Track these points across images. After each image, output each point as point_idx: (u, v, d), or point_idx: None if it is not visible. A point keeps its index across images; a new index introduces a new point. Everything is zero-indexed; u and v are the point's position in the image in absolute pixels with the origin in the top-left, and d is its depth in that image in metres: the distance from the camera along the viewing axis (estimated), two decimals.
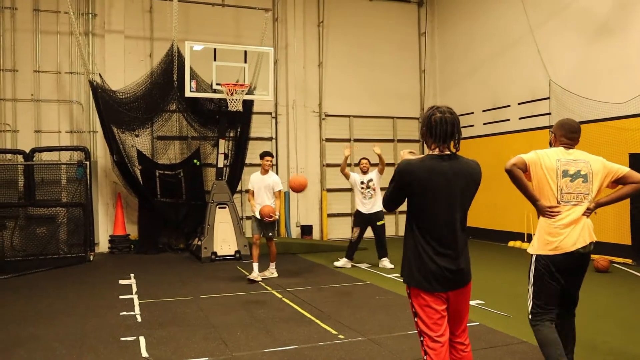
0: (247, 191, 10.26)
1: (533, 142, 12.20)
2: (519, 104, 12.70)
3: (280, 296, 7.60)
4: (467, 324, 3.46)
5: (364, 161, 10.00)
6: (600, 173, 4.08)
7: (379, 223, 9.81)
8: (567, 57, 11.50)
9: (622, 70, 10.31)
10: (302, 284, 8.41)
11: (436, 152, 3.22)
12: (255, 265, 8.76)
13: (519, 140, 12.51)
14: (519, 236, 12.47)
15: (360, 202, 9.82)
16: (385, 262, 9.85)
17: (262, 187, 8.87)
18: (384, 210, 3.78)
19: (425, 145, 3.38)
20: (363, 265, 10.13)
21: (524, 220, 12.13)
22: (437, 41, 15.81)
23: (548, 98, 11.89)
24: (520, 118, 12.65)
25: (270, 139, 14.05)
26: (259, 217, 8.70)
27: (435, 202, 3.16)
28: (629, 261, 9.85)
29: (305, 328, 5.93)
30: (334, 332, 5.75)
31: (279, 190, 8.96)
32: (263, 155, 9.05)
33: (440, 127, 3.16)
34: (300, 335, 5.65)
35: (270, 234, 8.88)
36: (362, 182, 9.84)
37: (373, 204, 9.69)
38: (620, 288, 7.96)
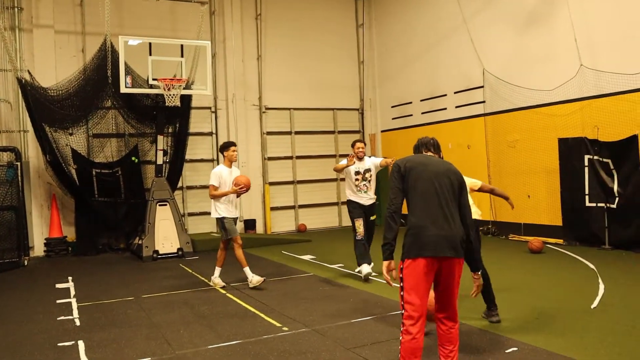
0: (204, 187, 9.91)
1: (469, 129, 12.59)
2: (455, 92, 13.04)
3: (223, 292, 7.56)
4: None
5: (359, 145, 8.09)
6: None
7: (372, 217, 8.24)
8: (499, 47, 11.88)
9: (550, 59, 10.74)
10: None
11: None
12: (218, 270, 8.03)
13: (456, 128, 12.86)
14: None
15: (353, 193, 8.11)
16: (365, 268, 7.79)
17: (230, 182, 7.71)
18: (393, 213, 3.76)
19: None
20: (307, 257, 10.19)
21: None
22: (375, 33, 16.01)
23: (482, 87, 12.26)
24: (456, 106, 12.99)
25: (210, 133, 13.89)
26: (232, 214, 7.79)
27: (422, 183, 3.75)
28: (561, 241, 10.31)
29: (249, 322, 5.93)
30: (278, 324, 5.77)
31: None
32: (228, 146, 7.94)
33: (421, 142, 4.23)
34: (244, 329, 5.65)
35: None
36: (357, 172, 8.08)
37: (369, 197, 8.11)
38: (553, 267, 8.33)
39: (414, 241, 3.64)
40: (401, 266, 3.67)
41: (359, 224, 7.99)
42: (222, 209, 7.70)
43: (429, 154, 4.11)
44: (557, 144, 10.42)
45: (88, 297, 7.53)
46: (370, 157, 8.37)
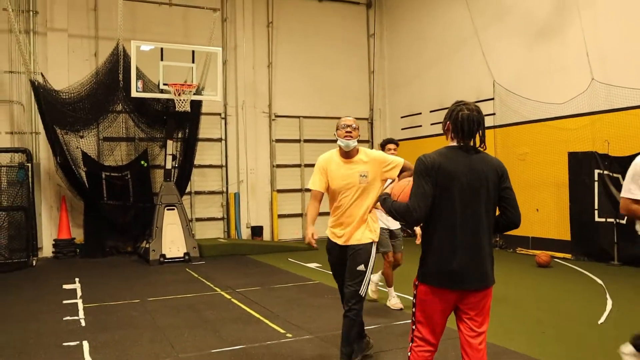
0: (213, 192, 9.85)
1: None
2: None
3: (229, 297, 7.55)
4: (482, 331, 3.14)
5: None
6: None
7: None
8: (510, 59, 11.87)
9: (561, 72, 10.72)
10: (251, 285, 8.38)
11: (455, 143, 3.10)
12: (392, 290, 6.83)
13: None
14: None
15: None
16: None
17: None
18: (409, 220, 3.05)
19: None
20: (313, 265, 10.18)
21: None
22: (386, 42, 16.05)
23: (493, 99, 12.24)
24: None
25: (219, 139, 13.95)
26: (386, 224, 6.42)
27: (452, 191, 2.97)
28: (569, 256, 10.24)
29: (253, 328, 5.93)
30: (282, 331, 5.76)
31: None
32: (386, 143, 6.67)
33: (467, 124, 3.04)
34: (248, 334, 5.64)
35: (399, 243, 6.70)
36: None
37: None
38: (560, 281, 8.27)
39: (432, 266, 3.03)
40: (415, 283, 3.13)
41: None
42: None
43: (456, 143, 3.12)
44: (567, 158, 10.37)
45: (94, 298, 7.56)
46: None
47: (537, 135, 11.20)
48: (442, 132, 3.27)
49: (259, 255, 11.55)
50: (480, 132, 3.09)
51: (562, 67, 10.72)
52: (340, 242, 4.49)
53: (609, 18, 9.87)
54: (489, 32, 12.38)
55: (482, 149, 3.11)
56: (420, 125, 14.41)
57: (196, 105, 11.97)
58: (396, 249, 6.64)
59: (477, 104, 3.21)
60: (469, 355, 3.07)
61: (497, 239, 11.77)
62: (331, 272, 4.76)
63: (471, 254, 2.98)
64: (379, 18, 16.00)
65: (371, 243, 4.43)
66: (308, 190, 15.20)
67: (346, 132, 4.43)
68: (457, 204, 2.97)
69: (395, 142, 6.67)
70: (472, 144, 3.09)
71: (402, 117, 15.26)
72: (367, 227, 4.43)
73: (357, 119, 15.89)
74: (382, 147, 6.70)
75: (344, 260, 4.49)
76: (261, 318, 6.34)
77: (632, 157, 9.09)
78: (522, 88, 11.48)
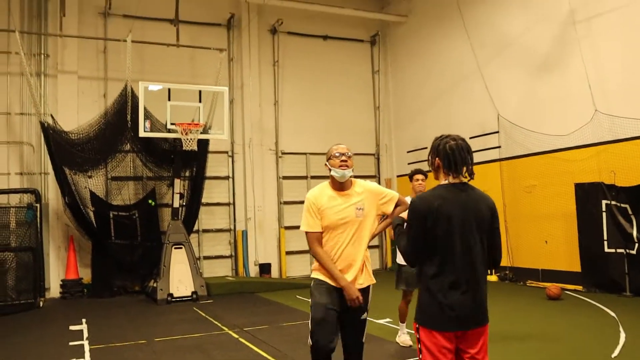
0: (220, 230, 9.98)
1: (485, 174, 12.55)
2: (471, 138, 13.05)
3: (237, 336, 7.48)
4: None
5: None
6: None
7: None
8: (513, 92, 11.97)
9: (564, 104, 10.79)
10: (259, 323, 8.30)
11: (449, 180, 3.07)
12: (403, 326, 6.65)
13: None
14: None
15: None
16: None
17: None
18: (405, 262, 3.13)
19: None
20: None
21: None
22: (391, 78, 16.24)
23: (497, 132, 12.30)
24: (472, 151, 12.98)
25: (227, 177, 14.03)
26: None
27: (451, 231, 2.94)
28: (580, 288, 10.11)
29: None
30: None
31: None
32: (413, 174, 6.52)
33: (458, 154, 3.02)
34: None
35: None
36: None
37: None
38: (572, 314, 8.15)
39: (433, 308, 2.98)
40: (416, 326, 3.07)
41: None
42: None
43: (451, 180, 3.08)
44: (573, 189, 10.34)
45: (101, 339, 7.50)
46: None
47: (543, 167, 11.20)
48: None
49: (267, 293, 11.47)
50: (470, 161, 3.07)
51: (565, 99, 10.79)
52: (335, 284, 3.91)
53: (609, 50, 9.97)
54: (491, 66, 12.52)
55: (421, 180, 3.28)
56: (427, 160, 14.40)
57: (203, 144, 12.08)
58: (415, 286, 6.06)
59: (482, 137, 3.27)
60: None
61: (507, 272, 11.65)
62: (315, 324, 3.90)
63: (472, 293, 2.96)
64: (383, 55, 16.22)
65: (369, 287, 4.03)
66: None
67: (341, 161, 3.96)
68: (456, 244, 2.95)
69: (424, 173, 6.27)
70: (464, 174, 3.06)
71: (408, 152, 15.31)
72: (367, 267, 4.00)
73: (363, 154, 15.90)
74: (410, 177, 6.50)
75: (341, 307, 3.90)
76: (269, 357, 6.27)
77: (638, 187, 9.13)
78: (526, 120, 11.54)
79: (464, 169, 3.05)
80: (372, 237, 4.05)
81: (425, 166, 14.09)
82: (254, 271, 13.89)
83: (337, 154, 4.01)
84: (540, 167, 11.28)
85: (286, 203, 14.57)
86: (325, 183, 4.12)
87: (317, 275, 4.01)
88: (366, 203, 3.98)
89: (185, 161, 12.01)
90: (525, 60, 11.69)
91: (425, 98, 14.76)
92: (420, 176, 6.39)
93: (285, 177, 14.66)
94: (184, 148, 11.10)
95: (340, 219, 3.92)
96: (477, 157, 12.53)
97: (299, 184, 14.78)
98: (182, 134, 10.97)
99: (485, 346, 3.06)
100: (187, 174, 12.46)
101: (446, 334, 2.95)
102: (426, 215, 2.96)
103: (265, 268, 13.81)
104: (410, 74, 15.45)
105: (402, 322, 6.62)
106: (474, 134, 12.93)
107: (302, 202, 15.32)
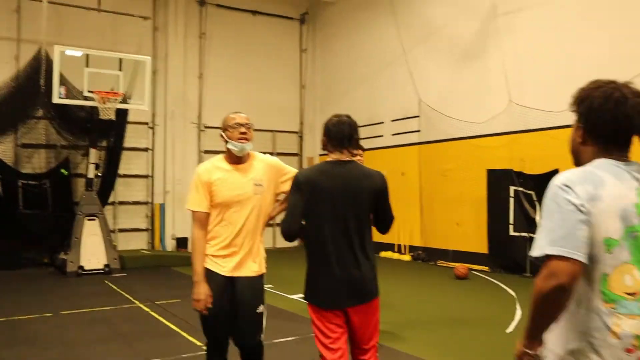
0: (138, 203, 9.62)
1: (404, 157, 12.90)
2: (392, 121, 13.38)
3: (147, 310, 7.38)
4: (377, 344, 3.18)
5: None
6: None
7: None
8: (436, 79, 12.31)
9: (482, 93, 11.20)
10: (172, 297, 8.20)
11: (334, 157, 3.10)
12: None
13: (392, 156, 13.14)
14: (389, 247, 12.97)
15: None
16: None
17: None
18: (283, 235, 3.07)
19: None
20: None
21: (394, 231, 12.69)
22: (319, 58, 16.27)
23: (418, 116, 12.63)
24: (393, 134, 13.32)
25: (146, 149, 13.66)
26: None
27: (328, 207, 2.95)
28: (486, 268, 10.64)
29: (170, 341, 5.82)
30: (199, 343, 5.67)
31: None
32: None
33: (338, 128, 3.06)
34: (164, 348, 5.53)
35: None
36: None
37: None
38: (476, 292, 8.59)
39: (314, 285, 3.03)
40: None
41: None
42: None
43: (343, 157, 3.10)
44: (486, 175, 10.82)
45: (3, 312, 7.16)
46: None
47: (459, 153, 11.63)
48: (369, 147, 3.35)
49: (184, 268, 11.32)
50: (355, 136, 3.10)
51: (483, 89, 11.21)
52: (224, 272, 3.42)
53: (526, 44, 10.41)
54: (415, 52, 12.79)
55: (359, 155, 3.23)
56: None
57: (122, 113, 11.68)
58: None
59: (402, 120, 3.40)
60: None
61: (420, 252, 12.09)
62: (203, 322, 3.54)
63: (349, 270, 2.95)
64: (312, 34, 16.21)
65: (263, 275, 3.55)
66: None
67: (240, 133, 3.44)
68: (331, 220, 2.95)
69: (362, 148, 5.59)
70: (350, 150, 3.08)
71: None
72: (260, 253, 3.53)
73: (286, 132, 15.76)
74: None
75: (229, 298, 3.43)
76: (179, 331, 6.23)
77: (544, 175, 9.67)
78: (446, 107, 11.90)
79: (349, 146, 3.07)
80: (268, 220, 3.60)
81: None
82: (171, 245, 13.68)
83: (235, 124, 3.46)
84: (456, 153, 11.70)
85: None
86: (219, 156, 3.58)
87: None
88: (265, 179, 3.50)
89: (102, 131, 11.56)
90: (449, 49, 12.02)
91: (352, 79, 14.90)
92: (358, 150, 5.52)
93: (207, 152, 14.40)
94: (101, 117, 10.69)
95: (235, 195, 3.41)
96: (397, 140, 13.06)
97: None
98: (99, 102, 10.55)
99: (372, 324, 3.08)
100: (104, 143, 12.03)
101: (327, 311, 2.97)
102: (304, 188, 2.99)
103: (182, 242, 13.63)
104: (338, 54, 15.54)
105: None
106: (396, 117, 13.24)
107: None
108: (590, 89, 1.85)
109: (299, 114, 16.02)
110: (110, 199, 12.58)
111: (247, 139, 3.46)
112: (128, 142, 12.57)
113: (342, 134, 3.06)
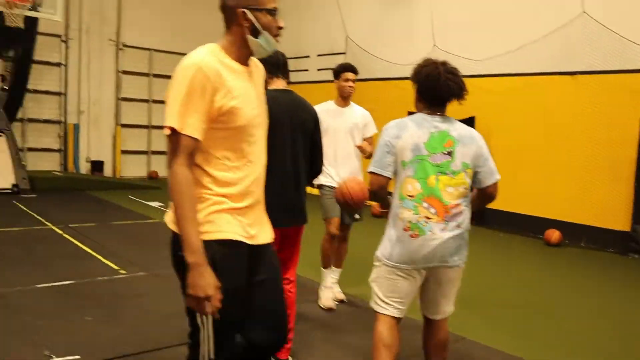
0: (48, 121, 9.24)
1: (328, 93, 12.90)
2: (318, 55, 13.30)
3: (61, 232, 7.20)
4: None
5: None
6: None
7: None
8: (364, 17, 12.28)
9: (408, 36, 11.33)
10: (87, 221, 8.03)
11: (274, 85, 3.28)
12: (328, 274, 4.90)
13: (316, 91, 13.06)
14: None
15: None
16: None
17: (340, 130, 4.85)
18: None
19: None
20: (154, 204, 10.00)
21: None
22: None
23: (344, 53, 12.63)
24: (318, 69, 13.27)
25: (59, 64, 12.84)
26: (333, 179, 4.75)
27: (277, 133, 2.95)
28: None
29: (85, 264, 5.75)
30: (116, 267, 5.66)
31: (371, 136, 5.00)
32: (342, 71, 4.96)
33: (274, 57, 3.15)
34: (79, 270, 5.47)
35: (357, 216, 4.91)
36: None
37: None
38: None
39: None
40: None
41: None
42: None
43: (279, 85, 3.30)
44: (406, 115, 11.07)
45: None
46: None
47: (383, 94, 11.80)
48: (294, 81, 3.52)
49: (98, 192, 11.05)
50: (285, 63, 3.35)
51: (409, 31, 11.32)
52: (252, 240, 2.18)
53: None
54: None
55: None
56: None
57: (31, 22, 10.81)
58: (347, 219, 4.85)
59: (329, 56, 3.65)
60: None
61: None
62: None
63: (289, 190, 3.16)
64: None
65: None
66: (157, 127, 14.80)
67: (278, 28, 2.43)
68: (280, 141, 3.06)
69: (355, 71, 4.98)
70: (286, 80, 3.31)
71: None
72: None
73: None
74: (337, 74, 4.99)
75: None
76: (94, 254, 6.15)
77: (462, 121, 10.05)
78: (373, 46, 11.96)
79: (286, 72, 3.35)
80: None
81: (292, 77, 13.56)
82: (85, 168, 13.20)
83: (273, 8, 2.39)
84: (380, 93, 11.85)
85: (125, 99, 13.79)
86: (213, 45, 2.31)
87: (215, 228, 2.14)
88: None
89: (9, 39, 10.70)
90: None
91: (279, 7, 14.51)
92: (351, 75, 4.95)
93: (125, 72, 13.78)
94: (6, 24, 9.89)
95: (257, 115, 2.21)
96: (322, 76, 13.04)
97: (140, 81, 14.03)
98: (6, 7, 9.74)
99: (294, 247, 3.32)
100: (11, 54, 11.19)
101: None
102: None
103: (97, 166, 13.20)
104: None
105: (325, 267, 4.93)
106: (322, 52, 13.17)
107: (143, 101, 14.61)
108: (420, 67, 2.89)
109: None
110: (19, 116, 11.84)
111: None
112: (39, 55, 11.75)
113: (276, 61, 3.25)
